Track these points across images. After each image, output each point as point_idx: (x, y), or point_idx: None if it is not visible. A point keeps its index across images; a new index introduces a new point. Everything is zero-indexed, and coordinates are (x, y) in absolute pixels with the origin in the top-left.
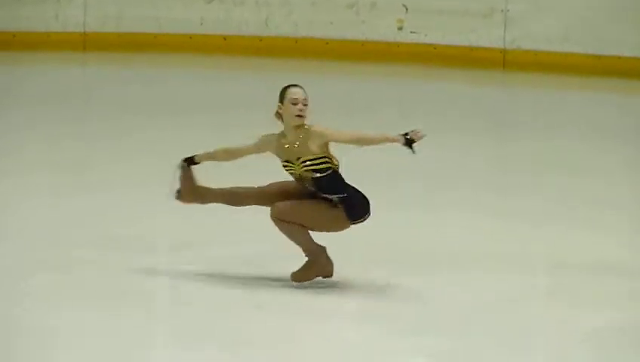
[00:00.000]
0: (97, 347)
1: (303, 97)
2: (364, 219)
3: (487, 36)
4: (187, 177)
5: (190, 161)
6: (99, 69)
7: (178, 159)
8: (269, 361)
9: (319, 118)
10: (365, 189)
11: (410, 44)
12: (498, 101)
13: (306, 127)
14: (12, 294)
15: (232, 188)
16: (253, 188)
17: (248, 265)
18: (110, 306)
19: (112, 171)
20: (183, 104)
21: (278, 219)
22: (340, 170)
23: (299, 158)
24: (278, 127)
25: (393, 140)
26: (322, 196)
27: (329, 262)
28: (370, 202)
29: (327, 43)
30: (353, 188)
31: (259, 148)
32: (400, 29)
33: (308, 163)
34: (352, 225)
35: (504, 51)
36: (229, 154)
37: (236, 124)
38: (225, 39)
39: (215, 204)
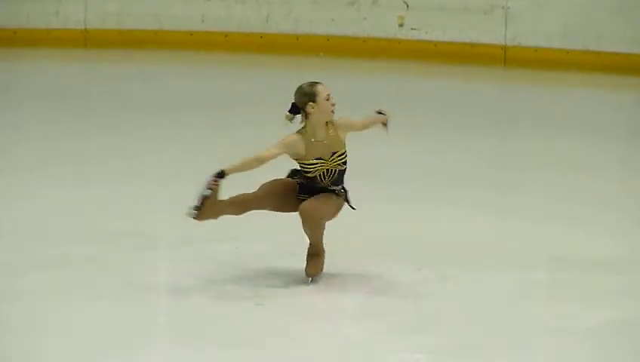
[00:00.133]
0: (96, 345)
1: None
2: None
3: (488, 33)
4: (215, 194)
5: (220, 176)
6: (99, 66)
7: (178, 158)
8: (269, 359)
9: None
10: (365, 186)
11: (410, 41)
12: (499, 98)
13: (331, 121)
14: (9, 291)
15: (235, 197)
16: (257, 192)
17: (248, 262)
18: (109, 303)
19: (112, 167)
20: (184, 101)
21: (316, 218)
22: None
23: (335, 153)
24: (281, 126)
25: (383, 121)
26: (330, 189)
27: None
28: (370, 199)
29: (328, 40)
30: None
31: (286, 151)
32: (401, 25)
33: (341, 156)
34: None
35: (505, 48)
36: (259, 162)
37: (237, 122)
38: (226, 36)
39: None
